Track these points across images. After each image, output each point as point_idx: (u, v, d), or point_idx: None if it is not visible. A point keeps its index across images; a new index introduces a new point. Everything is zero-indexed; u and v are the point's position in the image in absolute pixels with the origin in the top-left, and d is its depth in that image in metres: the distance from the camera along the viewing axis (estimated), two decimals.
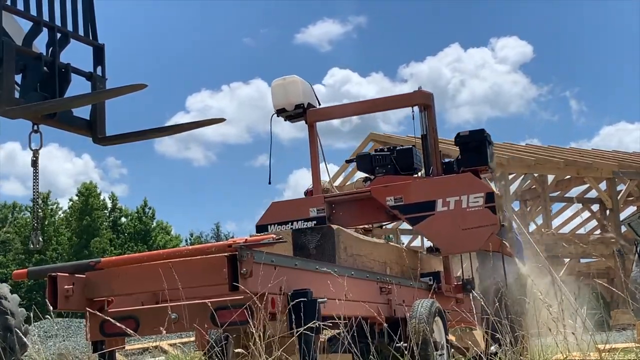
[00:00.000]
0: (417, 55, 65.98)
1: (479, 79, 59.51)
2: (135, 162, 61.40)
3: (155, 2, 60.57)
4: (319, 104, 6.32)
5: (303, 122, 6.25)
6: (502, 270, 5.87)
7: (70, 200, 39.82)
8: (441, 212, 5.58)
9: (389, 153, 6.06)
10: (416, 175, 6.05)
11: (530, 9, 60.17)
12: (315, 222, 5.74)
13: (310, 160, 6.20)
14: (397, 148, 6.11)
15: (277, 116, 6.17)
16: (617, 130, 60.14)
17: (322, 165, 6.25)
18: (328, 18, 74.02)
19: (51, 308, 3.53)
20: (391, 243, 8.97)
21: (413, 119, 6.01)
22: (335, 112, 6.67)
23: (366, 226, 6.38)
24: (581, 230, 19.51)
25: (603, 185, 17.77)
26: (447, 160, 6.16)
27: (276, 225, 5.83)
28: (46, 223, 37.25)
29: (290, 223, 5.82)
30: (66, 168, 56.40)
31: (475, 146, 5.96)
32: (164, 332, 3.43)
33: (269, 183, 6.36)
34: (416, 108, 6.01)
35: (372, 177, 6.12)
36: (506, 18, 62.86)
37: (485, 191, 5.54)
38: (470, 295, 5.28)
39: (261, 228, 5.85)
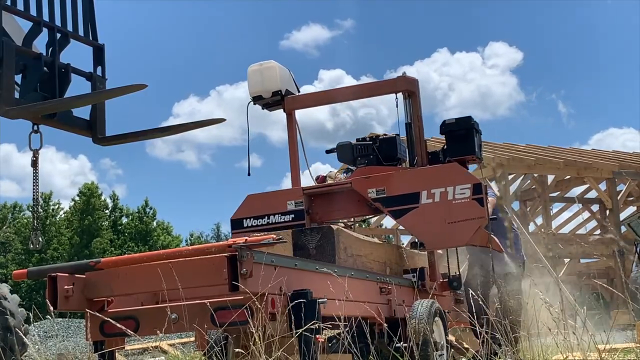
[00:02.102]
0: (405, 60, 65.62)
1: (468, 83, 59.51)
2: (131, 164, 61.30)
3: (141, 8, 60.52)
4: (298, 91, 5.97)
5: (282, 111, 5.86)
6: (490, 267, 5.63)
7: (73, 200, 39.90)
8: (426, 204, 5.27)
9: (371, 142, 5.73)
10: (400, 166, 5.73)
11: (518, 13, 60.38)
12: (292, 215, 5.47)
13: (289, 150, 5.84)
14: (380, 137, 5.79)
15: (254, 104, 5.82)
16: (605, 136, 60.18)
17: (309, 164, 5.94)
18: (313, 23, 73.93)
19: (51, 308, 3.52)
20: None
21: (397, 106, 5.72)
22: (316, 99, 6.18)
23: (345, 221, 6.08)
24: (581, 231, 19.51)
25: (603, 186, 17.76)
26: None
27: (252, 219, 5.55)
28: (47, 223, 37.26)
29: (266, 217, 5.53)
30: (62, 169, 56.47)
31: (462, 135, 5.59)
32: (164, 332, 3.44)
33: (248, 174, 6.19)
34: (400, 95, 5.71)
35: (353, 167, 5.81)
36: (496, 23, 63.01)
37: (472, 182, 5.24)
38: (470, 294, 5.25)
39: (236, 222, 5.58)
